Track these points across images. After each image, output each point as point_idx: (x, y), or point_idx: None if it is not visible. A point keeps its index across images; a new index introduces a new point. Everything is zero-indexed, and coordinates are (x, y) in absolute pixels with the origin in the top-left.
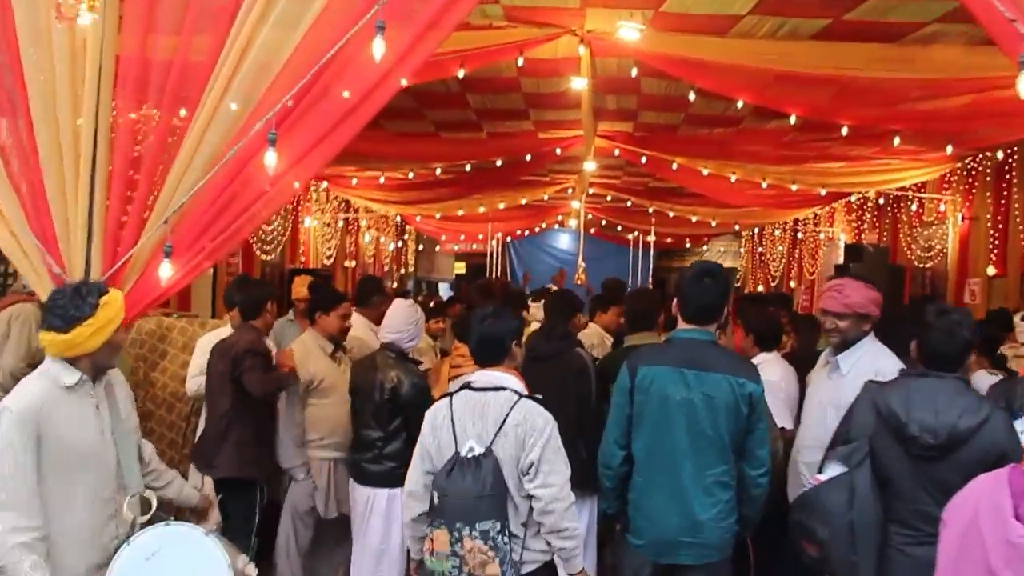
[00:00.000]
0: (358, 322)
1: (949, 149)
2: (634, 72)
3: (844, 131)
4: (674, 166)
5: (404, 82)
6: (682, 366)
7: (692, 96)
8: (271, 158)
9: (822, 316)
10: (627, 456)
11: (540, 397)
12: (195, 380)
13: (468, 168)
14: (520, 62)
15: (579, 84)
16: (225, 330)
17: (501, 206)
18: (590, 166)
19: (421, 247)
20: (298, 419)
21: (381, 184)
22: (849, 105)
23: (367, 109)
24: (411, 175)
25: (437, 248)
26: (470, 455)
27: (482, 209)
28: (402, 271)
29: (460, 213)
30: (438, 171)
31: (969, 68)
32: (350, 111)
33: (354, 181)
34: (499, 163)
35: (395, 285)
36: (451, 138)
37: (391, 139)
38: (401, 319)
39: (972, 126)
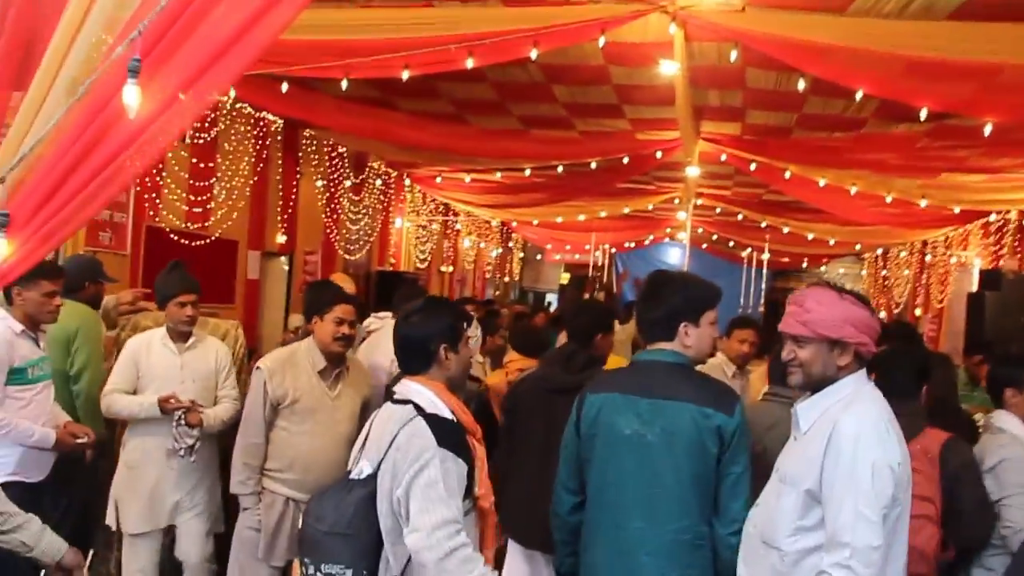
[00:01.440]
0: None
1: None
2: (734, 56)
3: (987, 131)
4: (787, 175)
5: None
6: (636, 393)
7: (801, 85)
8: (131, 94)
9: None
10: (583, 503)
11: (452, 419)
12: (107, 399)
13: (560, 170)
14: (602, 43)
15: (670, 69)
16: (160, 332)
17: (602, 215)
18: (693, 172)
19: (526, 256)
20: (258, 440)
21: (467, 184)
22: (997, 100)
23: (260, 34)
24: (499, 175)
25: (539, 257)
26: (358, 477)
27: (582, 217)
28: (506, 279)
29: (559, 220)
30: (527, 172)
31: None
32: (240, 33)
33: (438, 180)
34: (594, 166)
35: (496, 293)
36: (541, 136)
37: (475, 135)
38: None
39: None
